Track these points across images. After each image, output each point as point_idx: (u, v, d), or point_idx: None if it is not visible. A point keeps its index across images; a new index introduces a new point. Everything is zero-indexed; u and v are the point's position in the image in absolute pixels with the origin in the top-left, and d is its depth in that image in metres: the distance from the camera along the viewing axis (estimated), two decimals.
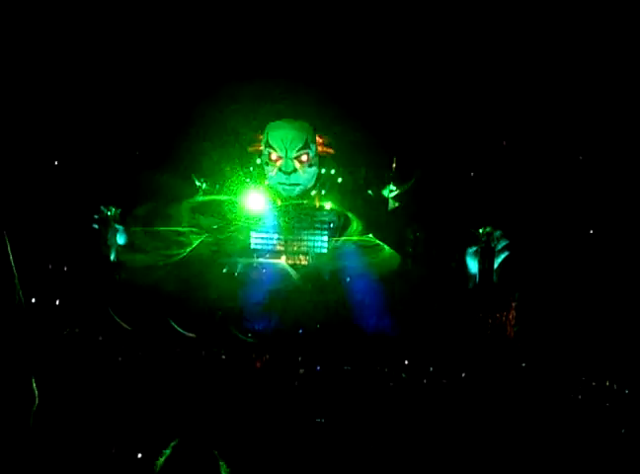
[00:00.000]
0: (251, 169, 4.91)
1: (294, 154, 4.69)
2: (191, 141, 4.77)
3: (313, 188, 4.85)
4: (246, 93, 4.75)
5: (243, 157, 4.88)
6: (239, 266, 4.65)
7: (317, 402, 4.19)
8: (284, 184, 4.76)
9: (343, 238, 4.76)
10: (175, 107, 4.61)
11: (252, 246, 4.74)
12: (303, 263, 4.75)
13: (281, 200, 4.84)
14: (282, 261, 4.76)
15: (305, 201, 4.83)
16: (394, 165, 4.87)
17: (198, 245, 4.80)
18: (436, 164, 4.88)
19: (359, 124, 4.81)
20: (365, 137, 4.83)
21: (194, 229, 4.82)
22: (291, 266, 4.73)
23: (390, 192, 4.88)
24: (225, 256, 4.71)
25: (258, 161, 4.89)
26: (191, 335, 4.55)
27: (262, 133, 4.82)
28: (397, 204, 4.87)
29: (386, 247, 4.73)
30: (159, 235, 4.77)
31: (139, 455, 3.36)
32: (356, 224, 4.73)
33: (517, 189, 4.77)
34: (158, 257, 4.73)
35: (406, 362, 4.64)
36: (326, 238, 4.72)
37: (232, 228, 4.79)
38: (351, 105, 4.77)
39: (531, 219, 4.78)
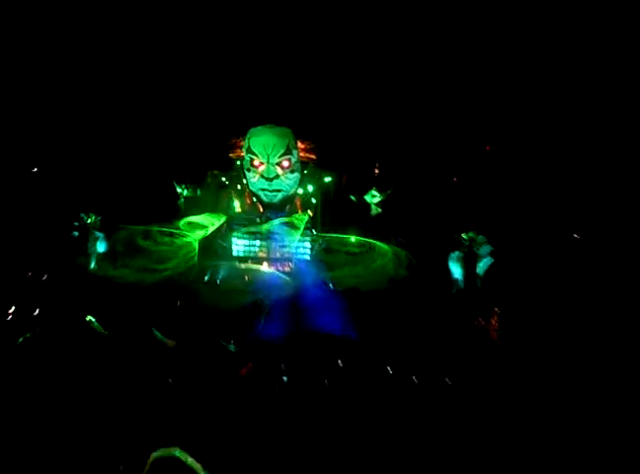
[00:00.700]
0: (232, 175, 4.86)
1: (276, 160, 4.64)
2: (171, 147, 4.73)
3: (295, 194, 4.79)
4: (227, 98, 4.71)
5: (224, 163, 4.83)
6: (221, 272, 4.60)
7: (301, 410, 4.15)
8: (267, 190, 4.71)
9: (321, 244, 4.70)
10: (156, 111, 4.57)
11: (234, 253, 4.68)
12: (286, 269, 4.69)
13: (263, 207, 4.78)
14: (265, 267, 4.70)
15: (287, 207, 4.77)
16: (376, 170, 4.83)
17: (184, 251, 4.74)
18: (418, 169, 4.84)
19: (340, 130, 4.78)
20: (347, 142, 4.80)
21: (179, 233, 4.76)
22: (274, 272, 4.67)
23: (372, 197, 4.84)
24: (207, 261, 4.65)
25: (239, 167, 4.83)
26: (171, 342, 4.50)
27: (243, 139, 4.77)
28: (379, 211, 4.83)
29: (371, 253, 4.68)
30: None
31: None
32: (340, 231, 4.68)
33: (501, 193, 4.74)
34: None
35: (390, 371, 4.59)
36: (308, 244, 4.66)
37: (214, 234, 4.74)
38: (332, 110, 4.73)
39: (516, 224, 4.75)
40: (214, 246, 4.76)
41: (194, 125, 4.70)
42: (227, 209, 4.80)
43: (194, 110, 4.63)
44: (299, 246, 4.75)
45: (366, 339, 4.58)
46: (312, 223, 4.76)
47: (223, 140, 4.80)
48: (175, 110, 4.63)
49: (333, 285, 4.66)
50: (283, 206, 4.77)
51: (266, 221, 4.68)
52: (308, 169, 4.82)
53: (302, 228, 4.59)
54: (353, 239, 4.67)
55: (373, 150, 4.82)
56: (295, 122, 4.72)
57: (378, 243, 4.63)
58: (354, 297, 4.57)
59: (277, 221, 4.62)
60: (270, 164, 4.61)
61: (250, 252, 4.77)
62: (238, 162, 4.82)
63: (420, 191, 4.79)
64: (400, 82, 4.64)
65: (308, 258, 4.74)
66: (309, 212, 4.74)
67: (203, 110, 4.66)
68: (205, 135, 4.80)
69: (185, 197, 4.73)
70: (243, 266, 4.74)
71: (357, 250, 4.69)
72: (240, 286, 4.68)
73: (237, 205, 4.74)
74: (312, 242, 4.72)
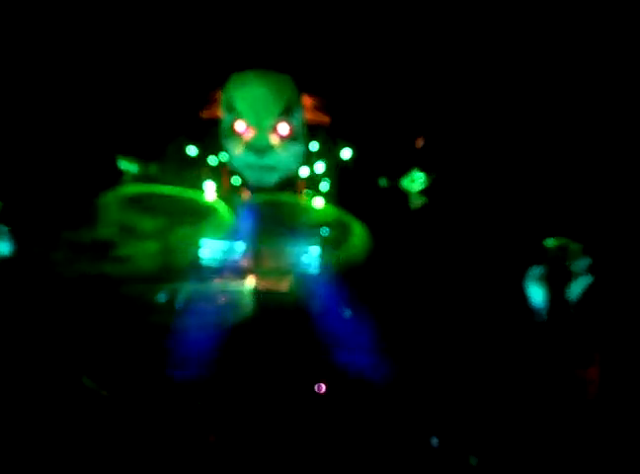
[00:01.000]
0: (204, 145, 3.24)
1: (270, 123, 3.05)
2: (110, 102, 3.10)
3: (298, 174, 3.18)
4: (198, 31, 3.09)
5: (192, 126, 3.21)
6: (181, 294, 3.01)
7: None
8: (255, 167, 3.10)
9: (341, 252, 3.10)
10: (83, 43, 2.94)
11: (203, 261, 3.07)
12: (281, 288, 3.09)
13: (250, 193, 3.16)
14: (249, 284, 3.10)
15: (286, 195, 3.18)
16: (420, 142, 3.21)
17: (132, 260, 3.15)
18: (482, 143, 3.23)
19: (367, 79, 3.15)
20: (377, 99, 3.18)
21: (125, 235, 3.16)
22: (262, 292, 3.08)
23: (413, 182, 3.23)
24: (162, 278, 3.05)
25: (215, 132, 3.20)
26: (103, 393, 2.95)
27: (221, 91, 3.14)
28: (424, 201, 3.22)
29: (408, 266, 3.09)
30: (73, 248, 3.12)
31: None
32: (360, 232, 3.08)
33: (605, 186, 3.15)
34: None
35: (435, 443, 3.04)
36: (317, 251, 3.05)
37: (176, 234, 3.13)
38: (355, 49, 3.11)
39: (627, 229, 3.15)
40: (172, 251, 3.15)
41: (145, 69, 3.08)
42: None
43: (145, 44, 3.02)
44: (302, 252, 3.15)
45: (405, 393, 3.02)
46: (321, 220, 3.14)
47: (192, 92, 3.16)
48: (115, 42, 3.02)
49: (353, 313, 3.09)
50: (280, 191, 3.15)
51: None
52: (318, 137, 3.13)
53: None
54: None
55: (415, 111, 3.19)
56: (300, 67, 3.09)
57: None
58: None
59: None
60: (261, 129, 3.05)
61: (227, 259, 3.17)
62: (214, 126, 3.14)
63: (482, 173, 3.17)
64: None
65: (316, 270, 3.14)
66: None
67: (161, 44, 3.06)
68: (164, 84, 3.16)
69: (131, 177, 3.10)
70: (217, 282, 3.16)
71: None
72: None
73: (210, 190, 3.11)
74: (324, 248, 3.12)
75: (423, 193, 3.20)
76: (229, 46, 3.16)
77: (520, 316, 3.06)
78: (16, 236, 3.09)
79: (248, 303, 3.14)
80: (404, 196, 3.19)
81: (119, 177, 3.17)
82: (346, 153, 3.21)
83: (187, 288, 3.10)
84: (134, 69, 3.16)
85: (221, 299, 3.15)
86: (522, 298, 3.04)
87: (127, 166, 3.18)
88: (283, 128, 3.06)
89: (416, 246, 3.11)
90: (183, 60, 3.17)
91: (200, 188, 3.16)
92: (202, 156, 3.21)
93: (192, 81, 3.20)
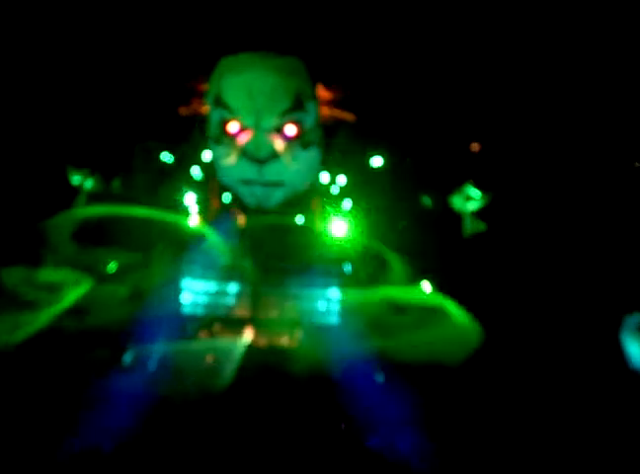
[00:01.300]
0: (184, 152, 2.41)
1: (273, 123, 2.24)
2: (60, 96, 2.27)
3: (312, 190, 2.36)
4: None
5: (168, 128, 2.37)
6: (155, 354, 2.18)
7: None
8: (254, 183, 2.27)
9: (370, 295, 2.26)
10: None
11: (184, 307, 2.22)
12: (288, 344, 2.24)
13: (247, 217, 2.31)
14: (245, 339, 2.26)
15: (296, 219, 2.35)
16: (476, 147, 2.37)
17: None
18: (556, 145, 2.39)
19: (403, 63, 2.32)
20: (417, 90, 2.35)
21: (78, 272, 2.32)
22: (262, 350, 2.23)
23: (467, 200, 2.39)
24: (130, 334, 2.21)
25: (199, 136, 2.37)
26: None
27: (207, 80, 2.30)
28: (481, 226, 2.38)
29: (459, 313, 2.24)
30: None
31: None
32: (398, 266, 2.23)
33: None
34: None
35: None
36: (337, 294, 2.19)
37: (149, 273, 2.29)
38: (388, 22, 2.30)
39: None
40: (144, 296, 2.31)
41: (108, 52, 2.27)
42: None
43: (109, 21, 2.21)
44: (316, 297, 2.32)
45: None
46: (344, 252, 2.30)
47: (168, 82, 2.33)
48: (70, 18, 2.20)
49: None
50: (287, 216, 2.31)
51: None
52: (338, 141, 2.30)
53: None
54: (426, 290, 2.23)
55: (468, 105, 2.36)
56: (314, 47, 2.27)
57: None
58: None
59: None
60: (260, 131, 2.23)
61: (216, 307, 2.32)
62: (197, 127, 2.31)
63: (558, 188, 2.33)
64: None
65: (336, 321, 2.30)
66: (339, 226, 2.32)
67: (125, 16, 2.24)
68: (130, 70, 2.34)
69: (87, 195, 2.26)
70: (200, 339, 2.32)
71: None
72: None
73: (193, 213, 2.28)
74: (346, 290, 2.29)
75: (479, 215, 2.34)
76: (217, 19, 2.33)
77: (616, 375, 2.21)
78: None
79: (243, 365, 2.28)
80: (455, 219, 2.34)
81: (70, 195, 2.32)
82: (376, 161, 2.37)
83: (162, 347, 2.24)
84: (87, 48, 2.32)
85: (207, 360, 2.29)
86: (618, 352, 2.19)
87: (81, 180, 2.33)
88: (291, 130, 2.24)
89: (472, 286, 2.26)
90: (154, 37, 2.33)
91: (179, 209, 2.30)
92: (182, 167, 2.36)
93: (167, 66, 2.36)
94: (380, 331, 2.31)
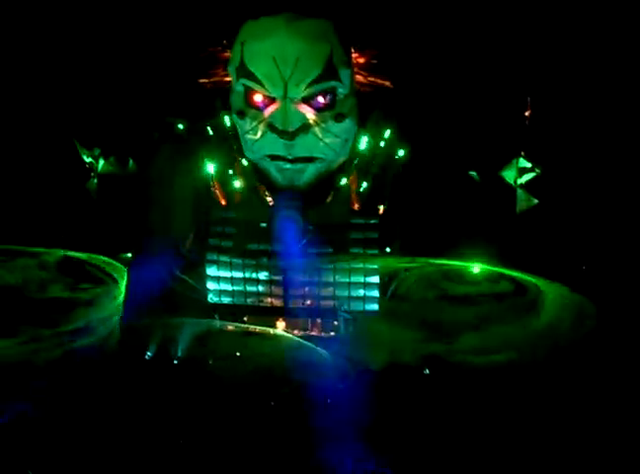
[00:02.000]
0: (209, 127, 2.19)
1: (304, 91, 2.04)
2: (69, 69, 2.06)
3: (348, 165, 2.16)
4: None
5: (188, 100, 2.16)
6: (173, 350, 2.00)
7: None
8: (283, 159, 2.08)
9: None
10: None
11: (209, 297, 2.02)
12: (325, 334, 2.05)
13: (276, 196, 2.09)
14: (280, 330, 2.07)
15: (330, 198, 2.15)
16: (528, 112, 2.14)
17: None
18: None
19: (447, 25, 2.09)
20: (462, 53, 2.11)
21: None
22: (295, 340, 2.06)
23: (519, 173, 2.17)
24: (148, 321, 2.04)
25: (222, 108, 2.15)
26: None
27: (229, 46, 2.08)
28: (534, 202, 2.15)
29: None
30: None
31: None
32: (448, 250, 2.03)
33: None
34: None
35: None
36: (377, 279, 1.98)
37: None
38: None
39: None
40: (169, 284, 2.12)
41: (120, 17, 2.06)
42: (198, 202, 2.14)
43: None
44: (357, 281, 2.10)
45: None
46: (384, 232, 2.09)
47: (187, 50, 2.11)
48: None
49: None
50: (320, 195, 2.07)
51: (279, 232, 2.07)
52: (375, 113, 2.07)
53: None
54: (477, 270, 2.00)
55: (518, 70, 2.12)
56: (345, 7, 2.03)
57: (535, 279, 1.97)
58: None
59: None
60: (289, 102, 2.02)
61: (245, 297, 2.11)
62: (219, 101, 2.13)
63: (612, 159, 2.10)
64: None
65: (376, 308, 2.10)
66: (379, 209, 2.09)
67: None
68: (144, 38, 2.12)
69: (99, 175, 2.07)
70: (229, 327, 2.13)
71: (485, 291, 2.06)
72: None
73: (218, 192, 2.07)
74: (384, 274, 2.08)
75: (531, 189, 2.12)
76: None
77: None
78: None
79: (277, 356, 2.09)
80: (506, 193, 2.11)
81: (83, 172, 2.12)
82: (418, 134, 2.15)
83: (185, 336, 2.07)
84: (102, 16, 2.10)
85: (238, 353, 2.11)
86: None
87: (91, 158, 2.13)
88: (322, 98, 2.03)
89: (527, 265, 2.04)
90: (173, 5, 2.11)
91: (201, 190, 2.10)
92: (203, 143, 2.16)
93: (184, 32, 2.13)
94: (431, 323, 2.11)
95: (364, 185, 2.14)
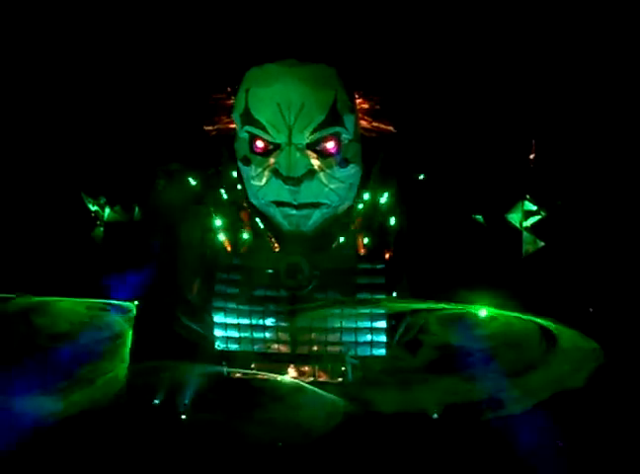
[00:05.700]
0: (212, 174, 2.20)
1: (308, 138, 2.03)
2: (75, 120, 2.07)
3: (352, 210, 2.17)
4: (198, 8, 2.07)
5: (192, 147, 2.16)
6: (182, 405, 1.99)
7: None
8: (288, 205, 2.07)
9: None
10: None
11: (216, 344, 2.01)
12: (334, 380, 2.04)
13: (283, 242, 2.09)
14: (289, 377, 2.06)
15: (336, 243, 2.16)
16: (532, 155, 2.15)
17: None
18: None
19: (449, 69, 2.10)
20: (466, 96, 2.12)
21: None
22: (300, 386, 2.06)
23: (525, 215, 2.17)
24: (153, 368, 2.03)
25: (227, 155, 2.16)
26: None
27: (234, 94, 2.08)
28: (540, 244, 2.16)
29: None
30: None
31: None
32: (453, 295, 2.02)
33: None
34: None
35: None
36: (384, 324, 1.98)
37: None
38: (430, 26, 2.08)
39: None
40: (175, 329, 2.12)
41: (121, 60, 2.07)
42: (202, 249, 2.14)
43: (123, 25, 2.00)
44: (363, 326, 2.09)
45: None
46: (390, 277, 2.08)
47: (191, 97, 2.11)
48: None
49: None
50: (326, 240, 2.06)
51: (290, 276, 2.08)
52: (380, 158, 2.09)
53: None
54: (483, 313, 2.00)
55: (522, 112, 2.14)
56: (348, 53, 2.04)
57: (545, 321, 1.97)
58: None
59: None
60: (293, 148, 2.01)
61: (252, 343, 2.10)
62: (225, 149, 2.16)
63: (621, 201, 2.10)
64: None
65: (384, 353, 2.08)
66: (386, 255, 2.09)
67: (145, 28, 2.03)
68: (149, 85, 2.13)
69: (105, 224, 2.06)
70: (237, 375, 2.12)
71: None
72: None
73: (224, 240, 2.06)
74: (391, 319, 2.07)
75: (538, 231, 2.12)
76: (242, 27, 2.11)
77: None
78: None
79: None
80: (511, 236, 2.11)
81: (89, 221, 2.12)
82: (422, 178, 2.15)
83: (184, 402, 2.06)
84: (104, 61, 2.11)
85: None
86: None
87: (97, 206, 2.13)
88: (328, 143, 2.02)
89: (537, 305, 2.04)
90: (176, 48, 2.12)
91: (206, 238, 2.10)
92: (209, 191, 2.16)
93: (188, 79, 2.14)
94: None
95: (367, 240, 2.14)
